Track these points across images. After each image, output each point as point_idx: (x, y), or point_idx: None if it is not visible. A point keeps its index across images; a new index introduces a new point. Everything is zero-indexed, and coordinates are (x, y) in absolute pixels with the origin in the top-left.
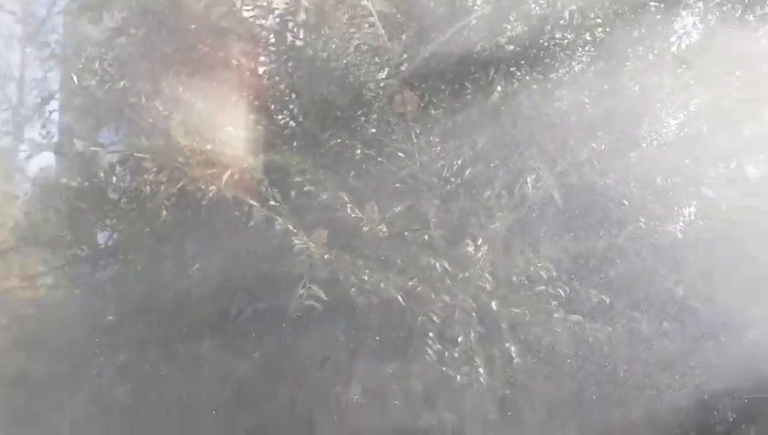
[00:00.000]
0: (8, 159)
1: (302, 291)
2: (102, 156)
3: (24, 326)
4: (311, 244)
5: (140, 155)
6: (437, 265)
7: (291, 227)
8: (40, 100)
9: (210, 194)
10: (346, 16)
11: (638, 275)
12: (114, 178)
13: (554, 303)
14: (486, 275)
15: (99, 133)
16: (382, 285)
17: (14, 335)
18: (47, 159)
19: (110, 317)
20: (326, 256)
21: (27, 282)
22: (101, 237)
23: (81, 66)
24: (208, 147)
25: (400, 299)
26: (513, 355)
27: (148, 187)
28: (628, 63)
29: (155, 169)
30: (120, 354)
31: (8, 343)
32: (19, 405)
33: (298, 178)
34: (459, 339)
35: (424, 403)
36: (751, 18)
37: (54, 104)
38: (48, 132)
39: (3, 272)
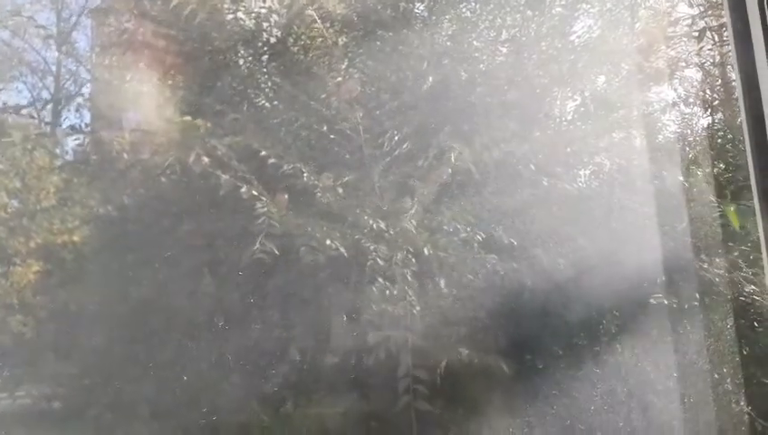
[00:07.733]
0: (50, 138)
1: (257, 246)
2: (110, 136)
3: (65, 270)
4: (271, 208)
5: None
6: (380, 222)
7: (255, 193)
8: (73, 90)
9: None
10: (310, 19)
11: (541, 222)
12: (125, 155)
13: (474, 245)
14: (420, 226)
15: (123, 115)
16: (328, 242)
17: (58, 277)
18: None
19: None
20: (283, 217)
21: (67, 234)
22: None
23: (104, 62)
24: (180, 128)
25: (344, 252)
26: (443, 287)
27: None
28: (534, 56)
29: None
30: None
31: (53, 283)
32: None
33: (263, 153)
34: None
35: (373, 325)
36: (634, 21)
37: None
38: (80, 116)
39: (47, 226)
